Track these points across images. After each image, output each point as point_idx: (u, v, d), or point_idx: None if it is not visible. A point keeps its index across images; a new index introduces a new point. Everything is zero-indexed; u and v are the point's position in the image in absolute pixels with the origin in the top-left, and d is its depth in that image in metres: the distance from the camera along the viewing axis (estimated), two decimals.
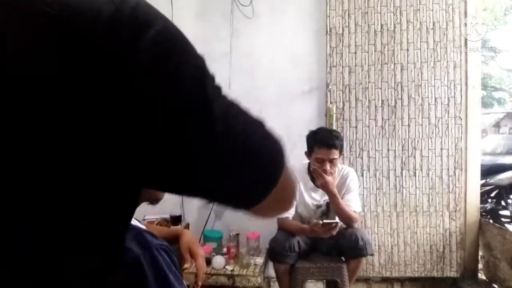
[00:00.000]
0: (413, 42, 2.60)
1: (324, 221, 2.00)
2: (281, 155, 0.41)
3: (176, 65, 0.34)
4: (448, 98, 2.59)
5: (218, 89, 0.37)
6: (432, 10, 2.58)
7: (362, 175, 2.63)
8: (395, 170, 2.63)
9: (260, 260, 2.32)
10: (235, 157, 0.36)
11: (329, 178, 2.02)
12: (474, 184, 2.61)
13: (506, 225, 3.42)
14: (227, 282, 2.15)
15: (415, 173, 2.62)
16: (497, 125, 15.38)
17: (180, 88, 0.33)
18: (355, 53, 2.64)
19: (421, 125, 2.61)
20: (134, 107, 0.31)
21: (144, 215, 2.46)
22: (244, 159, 0.37)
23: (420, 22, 2.59)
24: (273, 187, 0.39)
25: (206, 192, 0.38)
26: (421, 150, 2.61)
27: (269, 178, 0.39)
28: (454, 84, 2.58)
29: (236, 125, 0.37)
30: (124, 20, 0.31)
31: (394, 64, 2.62)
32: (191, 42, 0.40)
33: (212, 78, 0.37)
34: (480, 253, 2.66)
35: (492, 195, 4.20)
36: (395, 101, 2.63)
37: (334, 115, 2.63)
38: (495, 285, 2.51)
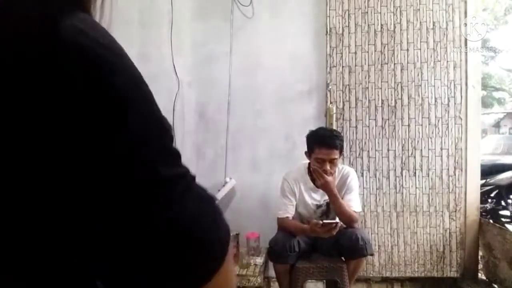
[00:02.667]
0: (413, 42, 2.60)
1: (324, 221, 2.00)
2: (223, 245, 0.36)
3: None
4: (448, 98, 2.59)
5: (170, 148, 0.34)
6: (432, 10, 2.58)
7: (362, 175, 2.63)
8: (395, 170, 2.63)
9: (260, 260, 2.32)
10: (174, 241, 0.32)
11: (329, 178, 2.02)
12: (474, 184, 2.60)
13: (506, 225, 3.41)
14: None
15: (415, 173, 2.62)
16: (497, 125, 15.39)
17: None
18: (355, 53, 2.64)
19: (421, 125, 2.61)
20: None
21: None
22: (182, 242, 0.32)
23: (420, 22, 2.59)
24: (208, 278, 0.34)
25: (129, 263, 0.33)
26: (421, 150, 2.61)
27: (206, 269, 0.34)
28: (454, 84, 2.58)
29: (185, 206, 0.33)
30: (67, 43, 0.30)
31: (394, 64, 2.62)
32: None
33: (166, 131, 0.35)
34: (480, 253, 2.66)
35: (492, 195, 4.19)
36: (395, 101, 2.63)
37: (334, 115, 2.63)
38: (495, 285, 2.51)
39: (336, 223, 1.99)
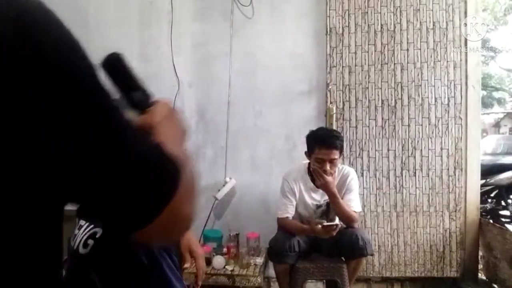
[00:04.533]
0: (413, 42, 2.60)
1: (325, 223, 2.00)
2: (168, 179, 0.40)
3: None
4: (448, 98, 2.59)
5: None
6: (432, 10, 2.58)
7: (362, 175, 2.63)
8: (395, 170, 2.63)
9: (260, 260, 2.32)
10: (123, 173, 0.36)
11: (329, 178, 2.02)
12: (474, 184, 2.60)
13: (506, 225, 3.42)
14: (227, 282, 2.15)
15: (415, 173, 2.62)
16: (497, 125, 15.39)
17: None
18: (355, 53, 2.64)
19: (421, 125, 2.61)
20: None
21: None
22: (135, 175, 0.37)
23: (420, 22, 2.59)
24: (158, 211, 0.38)
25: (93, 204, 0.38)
26: (421, 150, 2.61)
27: (154, 201, 0.38)
28: (454, 84, 2.58)
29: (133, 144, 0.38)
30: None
31: (394, 64, 2.62)
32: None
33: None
34: (480, 253, 2.66)
35: (492, 195, 4.20)
36: (395, 101, 2.63)
37: (334, 115, 2.63)
38: (495, 285, 2.51)
39: (336, 224, 1.99)
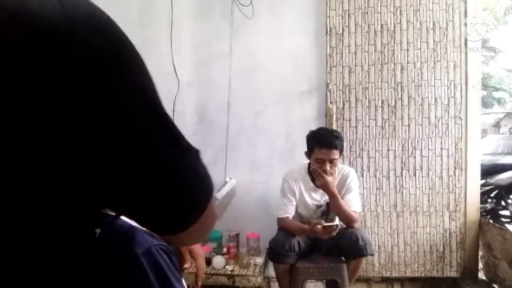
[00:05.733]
0: (413, 42, 2.60)
1: (325, 224, 2.00)
2: (207, 194, 0.44)
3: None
4: (448, 98, 2.59)
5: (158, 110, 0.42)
6: (432, 10, 2.58)
7: (362, 175, 2.63)
8: (395, 170, 2.63)
9: (260, 260, 2.32)
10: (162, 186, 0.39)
11: (329, 178, 2.02)
12: (474, 184, 2.60)
13: (506, 225, 3.41)
14: (227, 282, 2.15)
15: (415, 173, 2.62)
16: (497, 125, 15.39)
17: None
18: (355, 53, 2.64)
19: (421, 125, 2.61)
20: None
21: None
22: (172, 190, 0.40)
23: (420, 22, 2.59)
24: (196, 220, 0.43)
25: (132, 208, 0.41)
26: (421, 150, 2.61)
27: (194, 212, 0.43)
28: (454, 84, 2.58)
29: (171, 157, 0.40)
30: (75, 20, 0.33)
31: (394, 64, 2.62)
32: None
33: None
34: (480, 253, 2.66)
35: (492, 195, 4.20)
36: (395, 101, 2.63)
37: (334, 115, 2.63)
38: (495, 285, 2.51)
39: (337, 225, 1.99)
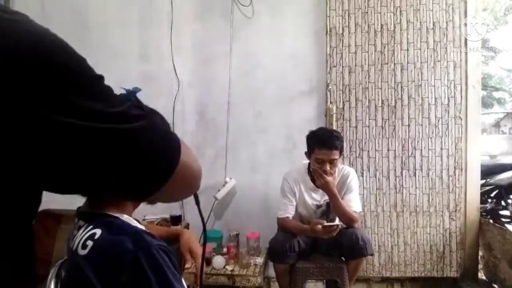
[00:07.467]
0: (413, 42, 2.60)
1: (325, 224, 2.00)
2: (174, 151, 0.47)
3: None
4: (448, 98, 2.59)
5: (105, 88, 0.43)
6: (432, 10, 2.58)
7: (362, 175, 2.63)
8: (395, 170, 2.63)
9: (260, 260, 2.32)
10: (128, 153, 0.42)
11: (329, 178, 2.02)
12: (474, 184, 2.60)
13: (506, 225, 3.42)
14: (227, 282, 2.15)
15: (415, 173, 2.62)
16: (497, 125, 15.38)
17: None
18: (355, 53, 2.64)
19: (421, 125, 2.61)
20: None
21: (144, 215, 2.46)
22: (137, 156, 0.42)
23: (420, 22, 2.59)
24: (166, 180, 0.46)
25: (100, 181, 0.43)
26: (421, 150, 2.61)
27: (162, 172, 0.45)
28: (454, 84, 2.58)
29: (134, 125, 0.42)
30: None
31: (394, 64, 2.62)
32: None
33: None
34: (480, 253, 2.66)
35: (492, 195, 4.19)
36: (395, 101, 2.63)
37: (334, 115, 2.63)
38: (495, 285, 2.51)
39: (337, 225, 1.99)
